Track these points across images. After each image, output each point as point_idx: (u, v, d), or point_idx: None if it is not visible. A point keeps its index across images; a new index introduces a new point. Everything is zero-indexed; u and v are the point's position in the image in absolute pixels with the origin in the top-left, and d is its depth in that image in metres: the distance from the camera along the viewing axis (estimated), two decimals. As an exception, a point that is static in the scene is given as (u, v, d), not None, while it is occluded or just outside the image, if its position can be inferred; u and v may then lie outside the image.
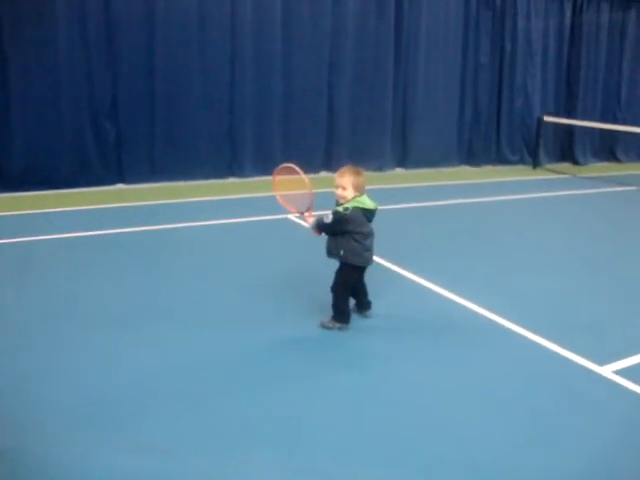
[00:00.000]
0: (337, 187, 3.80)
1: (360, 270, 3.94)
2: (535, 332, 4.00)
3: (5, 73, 7.34)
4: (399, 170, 10.36)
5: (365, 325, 4.07)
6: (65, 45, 7.58)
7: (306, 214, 4.00)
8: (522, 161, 11.56)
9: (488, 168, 11.14)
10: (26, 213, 6.73)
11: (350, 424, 2.93)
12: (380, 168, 10.00)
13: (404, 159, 10.41)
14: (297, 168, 4.00)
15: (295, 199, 4.12)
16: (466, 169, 10.99)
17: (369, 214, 3.84)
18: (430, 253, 5.74)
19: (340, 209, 3.78)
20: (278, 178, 4.16)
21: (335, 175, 3.85)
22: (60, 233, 5.89)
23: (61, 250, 5.48)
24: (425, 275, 5.00)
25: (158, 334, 3.81)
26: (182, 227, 6.30)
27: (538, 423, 3.00)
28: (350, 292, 4.02)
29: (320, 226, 3.84)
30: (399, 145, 10.31)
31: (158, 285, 4.65)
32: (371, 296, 4.18)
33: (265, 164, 8.39)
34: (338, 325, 3.97)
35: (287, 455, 2.66)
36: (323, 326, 3.98)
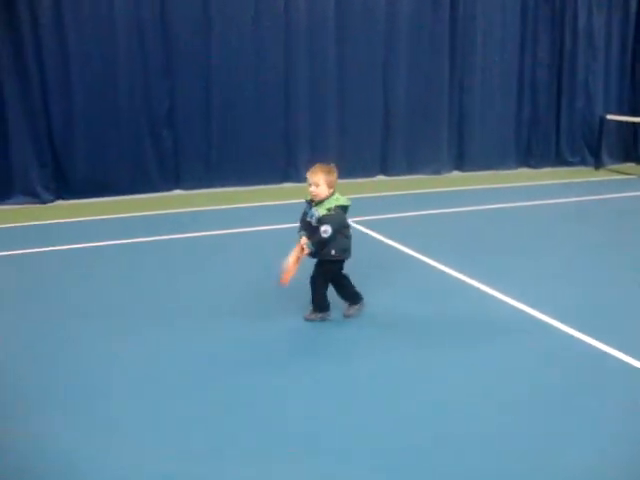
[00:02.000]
0: (310, 185, 3.80)
1: (343, 263, 3.97)
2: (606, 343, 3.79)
3: (68, 84, 7.54)
4: (456, 173, 10.15)
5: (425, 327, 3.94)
6: (124, 56, 7.72)
7: (298, 248, 3.85)
8: (583, 162, 11.13)
9: (547, 170, 10.78)
10: (88, 219, 6.88)
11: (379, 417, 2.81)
12: (437, 171, 9.81)
13: (461, 162, 10.18)
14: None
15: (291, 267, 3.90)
16: (524, 171, 10.67)
17: (345, 210, 3.89)
18: (490, 258, 5.53)
19: (326, 213, 3.75)
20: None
21: (307, 174, 3.84)
22: (120, 239, 5.98)
23: (120, 255, 5.57)
24: (483, 279, 4.83)
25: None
26: (236, 232, 6.31)
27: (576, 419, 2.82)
28: (327, 286, 4.02)
29: (320, 244, 3.78)
30: (456, 148, 10.08)
31: (214, 287, 4.65)
32: (433, 301, 4.05)
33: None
34: (320, 315, 4.03)
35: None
36: (306, 319, 4.03)
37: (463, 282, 4.85)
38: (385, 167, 9.41)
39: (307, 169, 3.96)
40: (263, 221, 6.70)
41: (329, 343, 3.83)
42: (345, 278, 4.07)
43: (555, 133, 10.91)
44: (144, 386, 3.27)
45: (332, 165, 3.90)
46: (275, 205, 7.67)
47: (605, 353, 3.64)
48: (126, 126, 7.91)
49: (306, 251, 3.83)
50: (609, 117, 10.85)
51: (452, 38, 9.68)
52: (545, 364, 3.55)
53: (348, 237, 3.92)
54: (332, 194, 3.82)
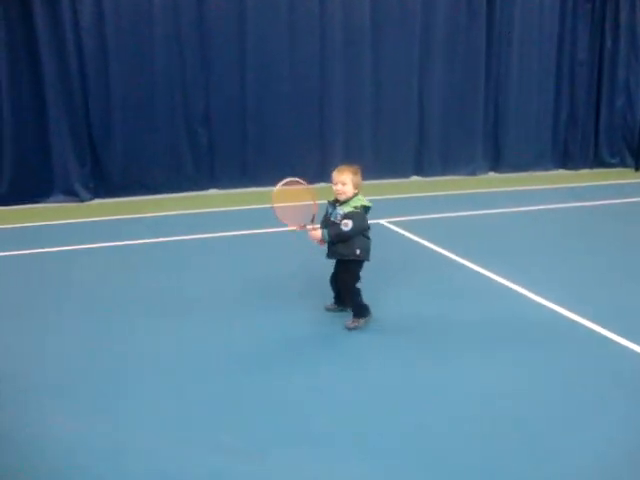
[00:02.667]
0: (336, 183, 3.79)
1: (363, 263, 3.92)
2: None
3: (107, 84, 7.68)
4: (492, 174, 10.02)
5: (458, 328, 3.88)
6: (161, 56, 7.85)
7: (310, 227, 3.86)
8: (623, 163, 10.89)
9: (585, 172, 10.56)
10: (125, 217, 6.99)
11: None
12: (473, 172, 9.71)
13: (497, 163, 10.06)
14: (300, 180, 3.94)
15: (295, 213, 4.00)
16: (562, 173, 10.48)
17: (367, 211, 3.89)
18: (525, 259, 5.42)
19: (352, 210, 3.75)
20: (279, 190, 3.94)
21: (333, 173, 3.83)
22: (155, 237, 6.06)
23: (154, 252, 5.65)
24: (506, 275, 4.80)
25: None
26: (270, 232, 6.34)
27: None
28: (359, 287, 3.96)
29: (338, 236, 3.76)
30: (491, 148, 9.97)
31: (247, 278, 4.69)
32: (468, 302, 3.99)
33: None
34: (363, 320, 3.93)
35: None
36: (349, 328, 3.90)
37: (499, 283, 4.78)
38: (420, 168, 9.35)
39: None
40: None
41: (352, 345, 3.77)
42: (357, 285, 3.96)
43: (594, 134, 10.70)
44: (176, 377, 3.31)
45: (358, 166, 3.92)
46: (310, 205, 7.65)
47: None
48: (163, 124, 8.02)
49: (318, 236, 3.80)
50: (650, 117, 10.59)
51: (489, 39, 9.57)
52: (579, 366, 3.48)
53: (369, 238, 3.90)
54: (356, 195, 3.83)
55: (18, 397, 3.13)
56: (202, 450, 2.69)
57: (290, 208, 4.04)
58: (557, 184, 9.34)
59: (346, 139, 8.89)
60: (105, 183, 7.97)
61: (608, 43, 10.41)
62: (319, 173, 8.87)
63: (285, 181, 3.99)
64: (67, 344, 3.76)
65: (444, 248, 5.64)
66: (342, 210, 3.79)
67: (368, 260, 3.91)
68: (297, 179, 3.99)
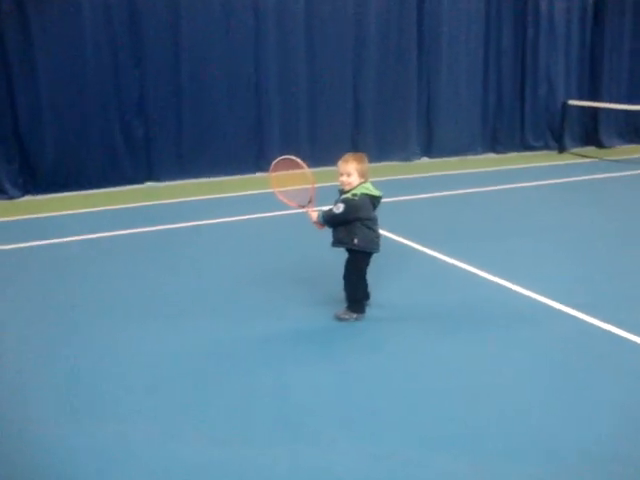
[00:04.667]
0: (342, 174, 3.77)
1: (369, 256, 3.88)
2: (579, 310, 4.03)
3: (34, 77, 7.38)
4: (425, 159, 10.31)
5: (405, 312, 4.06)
6: (91, 45, 7.59)
7: (308, 208, 3.92)
8: (547, 146, 11.42)
9: (513, 154, 11.02)
10: (56, 214, 6.75)
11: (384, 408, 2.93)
12: (407, 158, 9.95)
13: (430, 148, 10.35)
14: (298, 160, 3.94)
15: (295, 193, 4.04)
16: (491, 156, 10.91)
17: (375, 201, 3.82)
18: (458, 238, 5.74)
19: (349, 196, 3.73)
20: (275, 174, 4.06)
21: (339, 163, 3.80)
22: (89, 233, 5.89)
23: (88, 250, 5.50)
24: (453, 255, 5.09)
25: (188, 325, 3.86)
26: (210, 224, 6.33)
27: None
28: (364, 280, 3.93)
29: (330, 217, 3.77)
30: (424, 134, 10.24)
31: (189, 280, 4.69)
32: (409, 280, 4.17)
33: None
34: (355, 315, 3.91)
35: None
36: (339, 318, 3.90)
37: (454, 266, 4.99)
38: (355, 155, 9.51)
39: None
40: (236, 211, 6.71)
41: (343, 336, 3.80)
42: (363, 279, 3.94)
43: (520, 119, 11.16)
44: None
45: (362, 154, 3.89)
46: (248, 195, 7.68)
47: (591, 324, 3.90)
48: (95, 116, 7.78)
49: (314, 217, 3.82)
50: (571, 102, 11.15)
51: (419, 28, 9.80)
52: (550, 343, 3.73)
53: (371, 228, 3.80)
54: (362, 183, 3.77)
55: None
56: (200, 443, 2.72)
57: (289, 191, 4.07)
58: (488, 167, 9.73)
59: (283, 128, 8.92)
60: (35, 179, 7.68)
61: (530, 32, 10.86)
62: (257, 163, 8.91)
63: (279, 159, 4.02)
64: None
65: (389, 231, 5.78)
66: (343, 196, 3.79)
67: (370, 251, 3.84)
68: (293, 158, 3.96)
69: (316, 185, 3.89)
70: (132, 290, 4.52)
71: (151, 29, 7.91)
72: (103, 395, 3.12)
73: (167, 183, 8.29)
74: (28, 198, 7.62)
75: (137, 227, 6.11)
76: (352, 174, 3.74)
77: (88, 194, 7.70)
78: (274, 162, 4.09)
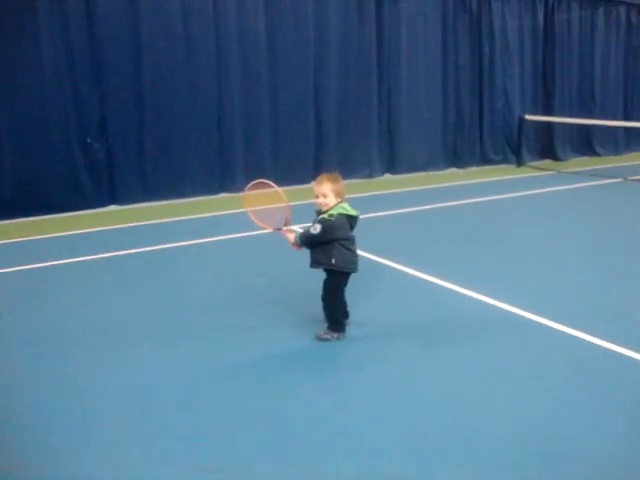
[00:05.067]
0: (317, 196, 3.76)
1: (348, 276, 3.88)
2: (553, 320, 4.14)
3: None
4: (388, 176, 10.46)
5: (381, 328, 4.08)
6: (50, 69, 7.47)
7: (284, 229, 3.93)
8: (505, 160, 11.74)
9: (473, 169, 11.29)
10: (16, 241, 6.57)
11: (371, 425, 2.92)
12: (369, 175, 10.08)
13: (392, 165, 10.51)
14: (270, 182, 3.96)
15: (269, 215, 4.04)
16: (453, 171, 11.12)
17: (352, 221, 3.81)
18: (428, 253, 5.85)
19: (325, 216, 3.73)
20: (249, 194, 4.04)
21: (313, 184, 3.81)
22: (51, 260, 5.75)
23: (51, 277, 5.38)
24: (425, 270, 5.18)
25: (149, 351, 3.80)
26: (178, 246, 6.28)
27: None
28: (343, 300, 3.95)
29: (307, 238, 3.77)
30: (387, 151, 10.40)
31: (159, 304, 4.64)
32: (384, 297, 4.21)
33: (256, 178, 8.28)
34: (336, 335, 3.92)
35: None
36: (320, 338, 3.91)
37: (426, 281, 5.05)
38: (318, 173, 9.47)
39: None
40: (201, 233, 6.68)
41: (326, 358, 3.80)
42: (342, 299, 3.94)
43: (479, 133, 11.46)
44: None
45: (336, 173, 3.89)
46: (212, 216, 7.64)
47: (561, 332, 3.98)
48: (55, 139, 7.62)
49: (291, 239, 3.84)
50: (527, 117, 11.48)
51: (379, 48, 10.00)
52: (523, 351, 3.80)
53: (349, 249, 3.79)
54: (339, 203, 3.76)
55: None
56: (187, 468, 2.69)
57: (263, 211, 4.05)
58: (449, 182, 9.92)
59: (246, 148, 8.94)
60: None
61: (485, 49, 11.19)
62: (221, 183, 8.88)
63: (253, 183, 4.02)
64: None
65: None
66: (320, 217, 3.78)
67: (348, 271, 3.82)
68: (266, 181, 3.96)
69: (290, 204, 3.90)
70: (100, 316, 4.44)
71: (112, 52, 7.83)
72: (82, 423, 3.05)
73: (130, 206, 8.18)
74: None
75: (100, 253, 6.00)
76: (328, 195, 3.73)
77: (50, 218, 7.55)
78: (249, 184, 4.10)
